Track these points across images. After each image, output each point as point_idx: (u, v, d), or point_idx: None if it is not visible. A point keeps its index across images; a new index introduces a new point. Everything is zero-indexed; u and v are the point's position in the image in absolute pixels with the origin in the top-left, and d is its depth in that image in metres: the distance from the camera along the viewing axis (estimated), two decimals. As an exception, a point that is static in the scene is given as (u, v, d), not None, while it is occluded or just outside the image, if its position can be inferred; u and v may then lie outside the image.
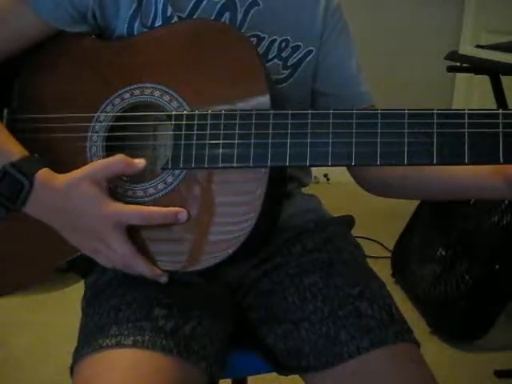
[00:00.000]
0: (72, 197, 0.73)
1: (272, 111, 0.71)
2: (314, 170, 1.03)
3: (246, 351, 0.88)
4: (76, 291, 0.95)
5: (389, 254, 2.30)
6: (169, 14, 0.82)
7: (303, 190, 1.00)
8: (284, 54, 0.88)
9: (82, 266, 0.87)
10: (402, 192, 0.90)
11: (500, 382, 1.72)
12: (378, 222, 2.62)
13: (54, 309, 1.94)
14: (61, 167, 0.75)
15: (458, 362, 1.80)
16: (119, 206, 0.72)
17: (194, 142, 0.73)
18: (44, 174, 0.74)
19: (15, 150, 0.76)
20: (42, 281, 0.83)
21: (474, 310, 1.86)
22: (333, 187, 2.96)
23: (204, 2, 0.83)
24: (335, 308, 0.80)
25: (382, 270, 2.09)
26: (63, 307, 1.80)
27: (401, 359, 0.77)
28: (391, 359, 0.76)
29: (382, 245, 2.48)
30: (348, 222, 0.98)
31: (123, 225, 0.72)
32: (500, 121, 0.64)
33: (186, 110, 0.75)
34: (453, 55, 1.98)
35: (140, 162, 0.74)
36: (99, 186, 0.72)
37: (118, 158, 0.73)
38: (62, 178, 0.74)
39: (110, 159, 0.73)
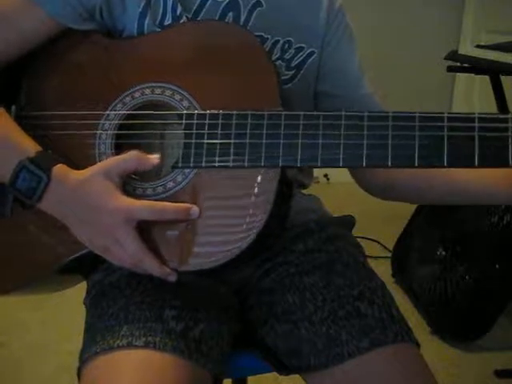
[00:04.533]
0: (85, 192, 0.72)
1: (284, 112, 0.71)
2: (314, 169, 1.03)
3: (246, 351, 0.88)
4: (76, 291, 0.95)
5: (389, 254, 2.31)
6: (178, 12, 0.82)
7: (304, 190, 1.00)
8: (287, 55, 0.88)
9: (85, 266, 0.87)
10: (405, 195, 0.91)
11: (500, 382, 1.73)
12: (378, 222, 2.61)
13: (54, 308, 1.94)
14: (69, 164, 0.75)
15: (458, 362, 1.81)
16: (131, 201, 0.72)
17: (205, 141, 0.73)
18: (60, 168, 0.74)
19: (30, 146, 0.76)
20: (43, 280, 0.82)
21: (474, 310, 1.86)
22: (333, 187, 2.96)
23: (209, 2, 0.83)
24: (335, 308, 0.80)
25: (382, 270, 2.09)
26: (63, 307, 1.81)
27: (401, 359, 0.77)
28: (391, 359, 0.77)
29: (382, 245, 2.48)
30: (348, 222, 0.99)
31: (134, 220, 0.72)
32: (510, 125, 0.65)
33: (196, 109, 0.75)
34: (453, 55, 1.98)
35: (155, 158, 0.74)
36: (113, 182, 0.72)
37: (132, 155, 0.73)
38: (77, 174, 0.74)
39: (124, 156, 0.73)
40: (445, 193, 0.84)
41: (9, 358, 1.77)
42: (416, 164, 0.66)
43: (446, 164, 0.66)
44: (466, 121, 0.66)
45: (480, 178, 0.79)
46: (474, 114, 0.66)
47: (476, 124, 0.65)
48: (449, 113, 0.67)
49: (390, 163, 0.67)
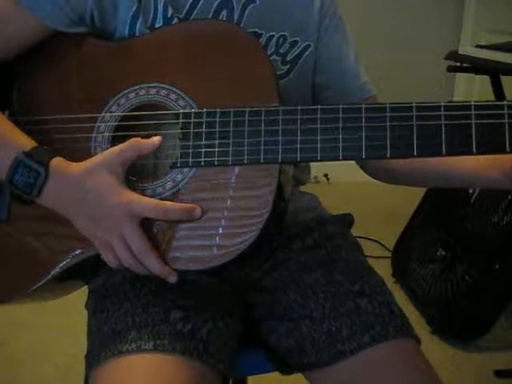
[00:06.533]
0: (88, 185, 0.72)
1: (281, 107, 0.71)
2: (314, 169, 1.03)
3: (246, 351, 0.88)
4: (76, 291, 0.95)
5: (389, 254, 2.30)
6: (169, 15, 0.82)
7: (303, 188, 1.00)
8: (282, 50, 0.88)
9: (86, 272, 0.86)
10: (407, 179, 0.91)
11: (500, 382, 1.72)
12: (378, 222, 2.61)
13: (54, 309, 1.93)
14: None
15: (458, 362, 1.80)
16: (136, 197, 0.71)
17: (203, 139, 0.73)
18: (58, 162, 0.73)
19: (26, 141, 0.75)
20: (43, 287, 0.80)
21: (474, 310, 1.86)
22: (333, 187, 2.96)
23: (201, 1, 0.83)
24: (336, 305, 0.81)
25: (382, 270, 2.07)
26: (63, 308, 1.80)
27: (402, 354, 0.77)
28: (392, 354, 0.77)
29: (382, 245, 2.48)
30: (347, 220, 0.99)
31: (139, 217, 0.71)
32: (505, 112, 0.65)
33: (193, 108, 0.74)
34: (453, 55, 1.98)
35: (155, 139, 0.73)
36: (115, 174, 0.71)
37: (131, 142, 0.72)
38: (77, 166, 0.73)
39: (124, 145, 0.72)
40: (439, 176, 0.85)
41: (8, 358, 1.77)
42: (415, 153, 0.67)
43: (444, 153, 0.66)
44: (462, 109, 0.66)
45: (474, 161, 0.79)
46: (469, 101, 0.67)
47: (472, 112, 0.66)
48: (445, 102, 0.67)
49: (388, 154, 0.68)
